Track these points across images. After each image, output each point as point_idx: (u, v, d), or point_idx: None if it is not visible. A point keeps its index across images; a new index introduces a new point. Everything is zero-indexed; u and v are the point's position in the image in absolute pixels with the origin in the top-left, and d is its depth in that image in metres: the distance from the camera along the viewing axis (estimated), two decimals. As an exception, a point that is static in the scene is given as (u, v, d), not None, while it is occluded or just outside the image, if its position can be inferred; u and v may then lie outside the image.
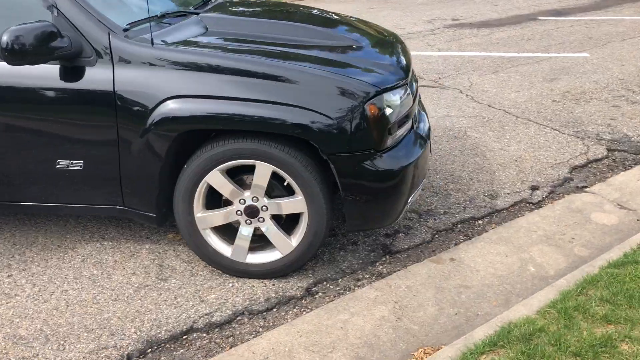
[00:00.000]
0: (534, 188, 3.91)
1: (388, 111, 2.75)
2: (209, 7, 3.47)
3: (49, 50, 2.54)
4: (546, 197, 3.81)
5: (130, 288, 2.95)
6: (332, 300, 2.86)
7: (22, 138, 2.83)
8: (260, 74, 2.65)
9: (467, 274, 3.02)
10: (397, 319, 2.71)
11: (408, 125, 3.00)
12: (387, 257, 3.22)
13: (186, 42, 2.84)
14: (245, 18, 3.35)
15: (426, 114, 3.51)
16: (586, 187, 3.90)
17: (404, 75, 2.96)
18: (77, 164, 2.83)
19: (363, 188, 2.77)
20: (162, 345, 2.60)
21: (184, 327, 2.69)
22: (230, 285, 2.97)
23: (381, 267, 3.14)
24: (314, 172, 2.72)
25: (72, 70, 2.70)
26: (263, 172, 2.75)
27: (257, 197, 2.82)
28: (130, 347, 2.57)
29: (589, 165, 4.21)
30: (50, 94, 2.73)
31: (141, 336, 2.63)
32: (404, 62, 3.14)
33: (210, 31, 3.04)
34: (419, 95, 3.79)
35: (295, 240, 2.89)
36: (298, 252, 2.90)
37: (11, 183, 2.94)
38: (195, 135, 2.80)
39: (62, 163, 2.84)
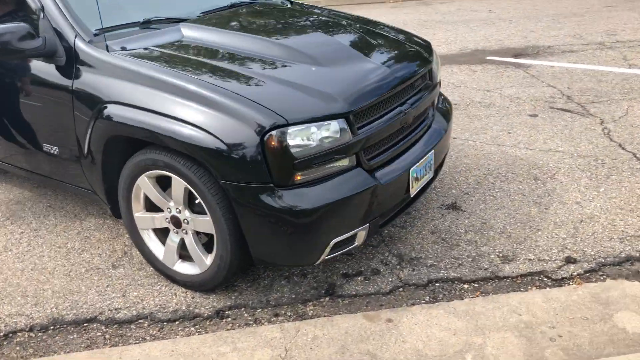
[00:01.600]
0: (570, 261, 3.11)
1: (295, 147, 2.48)
2: (209, 15, 3.49)
3: (20, 50, 2.90)
4: (579, 275, 3.00)
5: (85, 267, 3.25)
6: (230, 329, 2.76)
7: (20, 121, 3.30)
8: (182, 91, 2.63)
9: (388, 342, 2.61)
10: (262, 368, 2.50)
11: (345, 162, 2.66)
12: (326, 298, 2.94)
13: (141, 52, 2.94)
14: (230, 31, 3.26)
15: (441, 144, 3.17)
16: (648, 275, 2.97)
17: (344, 109, 2.61)
18: (55, 149, 3.20)
19: (260, 222, 2.58)
20: (64, 326, 2.83)
21: (90, 315, 2.89)
22: (158, 287, 3.06)
23: (310, 308, 2.89)
24: (219, 196, 2.63)
25: (48, 67, 3.04)
26: (177, 185, 2.75)
27: (179, 209, 2.84)
28: (38, 320, 2.86)
29: (678, 248, 3.17)
30: (35, 87, 3.12)
31: (54, 313, 2.90)
32: (363, 90, 2.76)
33: (180, 42, 3.09)
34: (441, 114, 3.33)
35: (209, 259, 2.84)
36: (211, 272, 2.85)
37: (22, 154, 3.47)
38: (137, 140, 2.92)
39: (46, 147, 3.24)
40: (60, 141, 3.14)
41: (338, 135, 2.59)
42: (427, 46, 3.49)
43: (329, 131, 2.56)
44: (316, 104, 2.60)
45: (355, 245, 2.82)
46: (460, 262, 3.15)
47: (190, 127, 2.55)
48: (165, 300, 2.96)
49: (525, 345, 2.56)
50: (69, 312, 2.91)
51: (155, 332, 2.78)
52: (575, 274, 3.02)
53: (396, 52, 3.24)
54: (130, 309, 2.91)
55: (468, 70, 6.62)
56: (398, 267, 3.14)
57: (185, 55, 2.92)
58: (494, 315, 2.75)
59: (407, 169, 2.91)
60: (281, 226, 2.56)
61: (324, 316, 2.82)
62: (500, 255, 3.19)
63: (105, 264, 3.27)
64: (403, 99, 2.98)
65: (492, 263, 3.13)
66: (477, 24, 9.15)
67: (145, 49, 2.96)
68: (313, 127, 2.52)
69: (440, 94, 3.68)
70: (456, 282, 3.01)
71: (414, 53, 3.30)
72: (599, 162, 4.16)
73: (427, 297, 2.92)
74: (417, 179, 3.01)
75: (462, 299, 2.89)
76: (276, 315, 2.85)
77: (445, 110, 3.52)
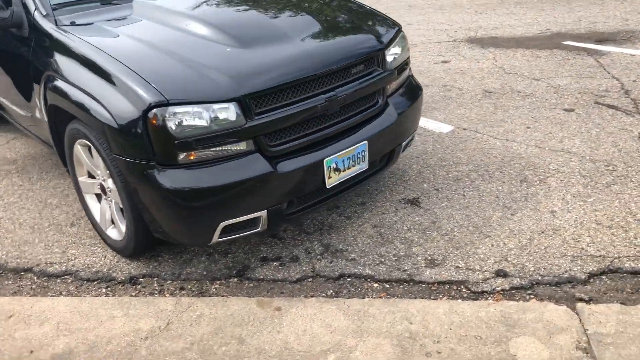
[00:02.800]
0: (500, 274, 2.82)
1: (177, 127, 2.51)
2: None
3: (-12, 20, 3.21)
4: (502, 290, 2.73)
5: (49, 222, 3.57)
6: (134, 296, 2.90)
7: (11, 84, 3.67)
8: (94, 66, 2.75)
9: (262, 331, 2.59)
10: (133, 332, 2.61)
11: (241, 146, 2.64)
12: (235, 279, 2.97)
13: (84, 27, 3.11)
14: (172, 9, 3.28)
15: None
16: (585, 300, 2.62)
17: (238, 92, 2.57)
18: (29, 110, 3.52)
19: (147, 198, 2.66)
20: (5, 272, 3.16)
21: (29, 266, 3.19)
22: (95, 249, 3.28)
23: (216, 286, 2.94)
24: (117, 170, 2.74)
25: (17, 36, 3.34)
26: (96, 155, 2.92)
27: (104, 178, 3.02)
28: (-13, 264, 3.23)
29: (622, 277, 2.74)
30: (14, 56, 3.45)
31: (1, 259, 3.25)
32: (267, 75, 2.69)
33: (125, 18, 3.21)
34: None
35: (123, 228, 3.00)
36: (125, 240, 3.01)
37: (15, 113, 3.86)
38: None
39: (24, 108, 3.58)
40: (31, 104, 3.44)
41: (229, 119, 2.57)
42: (386, 31, 3.29)
43: (218, 113, 2.55)
44: (209, 86, 2.59)
45: (257, 230, 2.81)
46: (383, 260, 3.00)
47: (94, 101, 2.69)
48: (94, 261, 3.18)
49: (396, 356, 2.41)
50: (13, 261, 3.23)
51: (73, 288, 3.00)
52: (498, 288, 2.75)
53: (337, 35, 3.11)
54: (62, 265, 3.17)
55: (531, 55, 6.06)
56: (319, 257, 3.07)
57: (117, 31, 3.05)
58: (384, 320, 2.60)
59: (321, 158, 2.81)
60: (166, 205, 2.62)
61: (223, 296, 2.86)
62: (428, 258, 2.98)
63: (66, 222, 3.56)
64: (328, 86, 2.86)
65: (414, 265, 2.94)
66: (582, 3, 8.28)
67: (90, 24, 3.13)
68: (198, 108, 2.53)
69: (411, 81, 3.46)
70: (368, 280, 2.88)
71: (361, 38, 3.13)
72: (610, 168, 3.67)
73: (330, 291, 2.83)
74: (337, 170, 2.90)
75: (364, 297, 2.77)
76: (182, 289, 2.94)
77: (405, 100, 3.31)
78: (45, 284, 3.05)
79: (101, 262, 3.16)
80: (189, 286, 2.95)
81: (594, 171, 3.65)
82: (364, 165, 3.05)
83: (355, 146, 2.94)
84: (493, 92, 5.07)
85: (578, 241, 3.00)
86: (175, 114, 2.51)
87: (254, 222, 2.77)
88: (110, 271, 3.09)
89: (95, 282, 3.03)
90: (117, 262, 3.15)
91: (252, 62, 2.75)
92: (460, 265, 2.91)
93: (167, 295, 2.90)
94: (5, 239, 3.45)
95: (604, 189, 3.44)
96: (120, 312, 2.79)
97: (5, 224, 3.60)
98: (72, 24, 3.13)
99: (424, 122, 4.55)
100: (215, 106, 2.56)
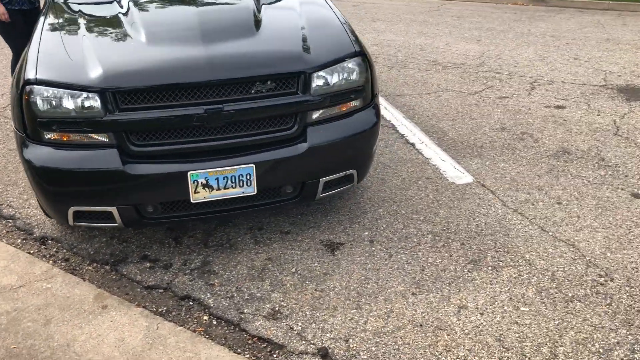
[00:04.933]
0: (322, 353, 2.37)
1: (40, 105, 2.63)
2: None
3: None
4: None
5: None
6: (30, 253, 3.15)
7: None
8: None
9: (71, 320, 2.61)
10: (-18, 286, 2.86)
11: (100, 137, 2.66)
12: (108, 267, 3.01)
13: (70, 5, 3.40)
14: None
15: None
16: None
17: (100, 84, 2.59)
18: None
19: (24, 167, 2.85)
20: (-20, 204, 3.70)
21: (-4, 204, 3.67)
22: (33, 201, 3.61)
23: (89, 268, 3.02)
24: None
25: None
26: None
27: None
28: (-24, 193, 3.80)
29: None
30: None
31: (-11, 193, 3.80)
32: (140, 73, 2.64)
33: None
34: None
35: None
36: (42, 202, 3.27)
37: None
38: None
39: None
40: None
41: (90, 108, 2.62)
42: (326, 53, 2.92)
43: (80, 101, 2.61)
44: (80, 74, 2.66)
45: (116, 224, 2.82)
46: (235, 295, 2.75)
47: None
48: (31, 212, 3.51)
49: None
50: (-11, 197, 3.75)
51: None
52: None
53: (258, 46, 2.87)
54: (4, 207, 3.57)
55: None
56: (187, 271, 2.94)
57: (70, 13, 3.28)
58: (169, 356, 2.41)
59: (185, 170, 2.69)
60: (30, 177, 2.79)
61: (82, 278, 2.93)
62: (276, 309, 2.64)
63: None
64: (214, 98, 2.69)
65: (255, 311, 2.63)
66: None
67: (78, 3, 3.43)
68: (63, 92, 2.62)
69: (360, 115, 3.03)
70: (204, 309, 2.68)
71: (282, 54, 2.85)
72: (602, 279, 2.76)
73: (164, 308, 2.71)
74: (208, 187, 2.73)
75: (183, 325, 2.59)
76: (66, 260, 3.09)
77: (335, 133, 2.93)
78: (-14, 220, 3.48)
79: (38, 217, 3.48)
80: (72, 260, 3.09)
81: (575, 277, 2.78)
82: (250, 190, 2.80)
83: (237, 167, 2.73)
84: (570, 153, 4.12)
85: (449, 350, 2.36)
86: (42, 93, 2.64)
87: (108, 216, 2.78)
88: (34, 225, 3.39)
89: (14, 229, 3.35)
90: (50, 220, 3.43)
91: (137, 59, 2.73)
92: (295, 328, 2.52)
93: (50, 261, 3.08)
94: None
95: (561, 304, 2.61)
96: (3, 262, 3.06)
97: None
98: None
99: (448, 166, 3.94)
100: (79, 93, 2.62)
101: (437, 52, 7.13)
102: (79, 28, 3.05)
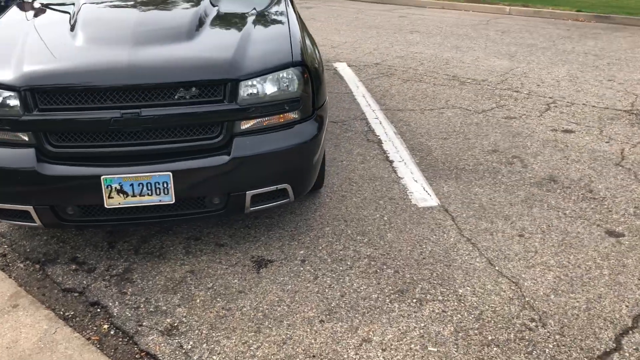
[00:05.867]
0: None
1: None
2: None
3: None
4: None
5: None
6: (-30, 246, 3.22)
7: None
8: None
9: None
10: None
11: (19, 136, 2.67)
12: (37, 266, 3.02)
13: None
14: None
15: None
16: None
17: (15, 82, 2.61)
18: None
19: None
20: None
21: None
22: None
23: (20, 265, 3.03)
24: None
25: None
26: None
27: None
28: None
29: None
30: None
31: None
32: (59, 73, 2.63)
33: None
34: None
35: None
36: None
37: None
38: None
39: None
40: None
41: (7, 106, 2.63)
42: (261, 61, 2.81)
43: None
44: (3, 70, 2.68)
45: (34, 224, 2.81)
46: (141, 307, 2.67)
47: None
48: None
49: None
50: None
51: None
52: (176, 390, 2.21)
53: (188, 51, 2.81)
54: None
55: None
56: (106, 277, 2.89)
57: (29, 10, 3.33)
58: (52, 361, 2.37)
59: (98, 174, 2.65)
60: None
61: (6, 275, 2.94)
62: (175, 325, 2.54)
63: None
64: (133, 102, 2.64)
65: (152, 325, 2.55)
66: None
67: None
68: None
69: (294, 128, 2.90)
70: (107, 317, 2.62)
71: (211, 59, 2.77)
72: (534, 324, 2.49)
73: (72, 312, 2.67)
74: (122, 193, 2.68)
75: (81, 332, 2.54)
76: (4, 255, 3.12)
77: (263, 144, 2.81)
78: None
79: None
80: (9, 256, 3.12)
81: (504, 319, 2.53)
82: (168, 199, 2.73)
83: (152, 174, 2.67)
84: (556, 182, 3.80)
85: (333, 388, 2.18)
86: None
87: (24, 215, 2.77)
88: (-13, 220, 3.45)
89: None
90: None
91: (60, 59, 2.74)
92: (184, 347, 2.42)
93: (-10, 256, 3.12)
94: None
95: (475, 347, 2.37)
96: (-56, 253, 3.13)
97: None
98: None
99: (418, 187, 3.72)
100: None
101: (461, 67, 6.84)
102: (28, 26, 3.09)
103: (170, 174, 2.68)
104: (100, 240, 3.21)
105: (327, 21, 9.91)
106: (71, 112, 2.63)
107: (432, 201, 3.57)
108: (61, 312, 2.67)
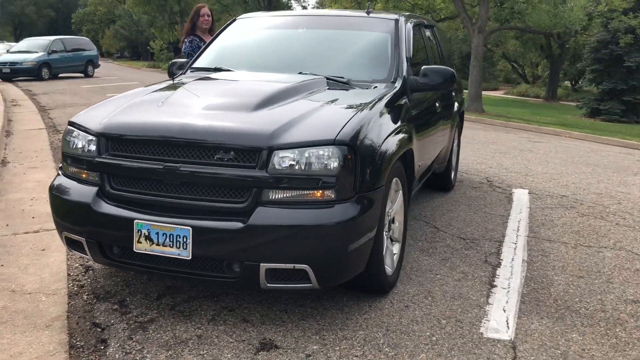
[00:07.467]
0: None
1: (67, 143, 3.18)
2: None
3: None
4: None
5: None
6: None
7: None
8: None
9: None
10: None
11: (89, 175, 3.06)
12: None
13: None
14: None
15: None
16: None
17: (98, 129, 3.03)
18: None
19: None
20: None
21: None
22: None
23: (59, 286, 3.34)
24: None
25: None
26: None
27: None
28: None
29: None
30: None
31: None
32: (130, 121, 2.98)
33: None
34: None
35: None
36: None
37: None
38: None
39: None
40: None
41: (90, 148, 3.05)
42: (305, 135, 2.81)
43: (82, 142, 3.08)
44: (94, 120, 3.13)
45: (87, 256, 3.11)
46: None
47: None
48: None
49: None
50: None
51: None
52: None
53: (237, 121, 2.90)
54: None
55: None
56: (129, 322, 2.99)
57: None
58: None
59: (133, 217, 2.85)
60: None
61: (68, 302, 3.26)
62: None
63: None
64: (177, 157, 2.83)
65: None
66: None
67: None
68: (77, 133, 3.13)
69: (322, 207, 2.74)
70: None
71: (253, 127, 2.85)
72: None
73: (77, 340, 2.82)
74: (149, 239, 2.82)
75: None
76: (80, 287, 3.49)
77: (286, 217, 2.70)
78: None
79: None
80: (85, 288, 3.46)
81: None
82: (185, 254, 2.78)
83: (174, 226, 2.78)
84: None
85: None
86: (71, 132, 3.17)
87: (79, 246, 3.08)
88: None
89: None
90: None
91: (134, 115, 3.10)
92: None
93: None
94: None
95: None
96: (44, 274, 3.62)
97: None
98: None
99: (501, 316, 3.09)
100: (84, 135, 3.08)
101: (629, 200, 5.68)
102: (154, 90, 3.59)
103: (190, 229, 2.74)
104: (153, 291, 3.36)
105: (541, 154, 9.24)
106: (124, 158, 2.93)
107: (505, 334, 2.92)
108: (74, 341, 2.82)
